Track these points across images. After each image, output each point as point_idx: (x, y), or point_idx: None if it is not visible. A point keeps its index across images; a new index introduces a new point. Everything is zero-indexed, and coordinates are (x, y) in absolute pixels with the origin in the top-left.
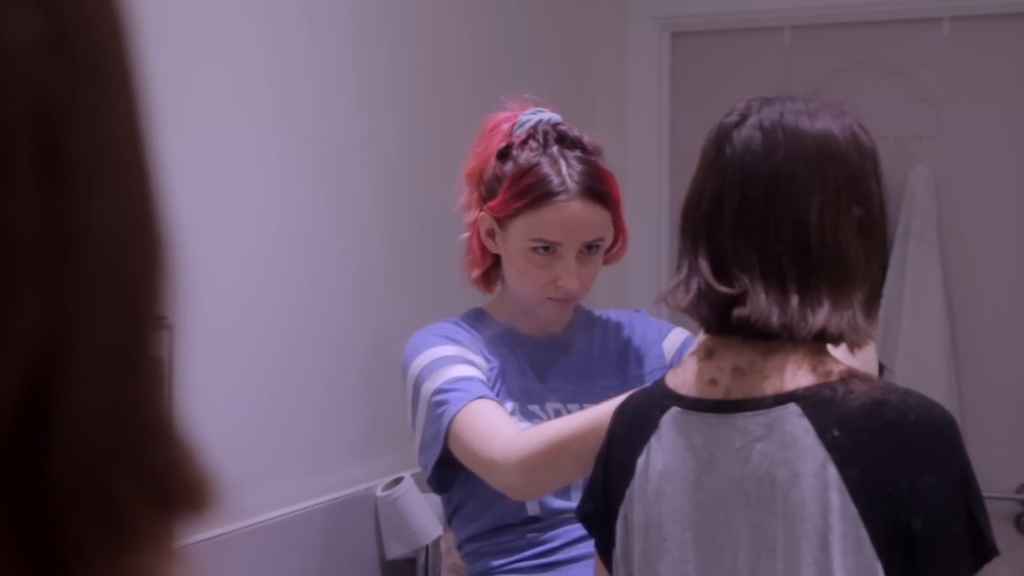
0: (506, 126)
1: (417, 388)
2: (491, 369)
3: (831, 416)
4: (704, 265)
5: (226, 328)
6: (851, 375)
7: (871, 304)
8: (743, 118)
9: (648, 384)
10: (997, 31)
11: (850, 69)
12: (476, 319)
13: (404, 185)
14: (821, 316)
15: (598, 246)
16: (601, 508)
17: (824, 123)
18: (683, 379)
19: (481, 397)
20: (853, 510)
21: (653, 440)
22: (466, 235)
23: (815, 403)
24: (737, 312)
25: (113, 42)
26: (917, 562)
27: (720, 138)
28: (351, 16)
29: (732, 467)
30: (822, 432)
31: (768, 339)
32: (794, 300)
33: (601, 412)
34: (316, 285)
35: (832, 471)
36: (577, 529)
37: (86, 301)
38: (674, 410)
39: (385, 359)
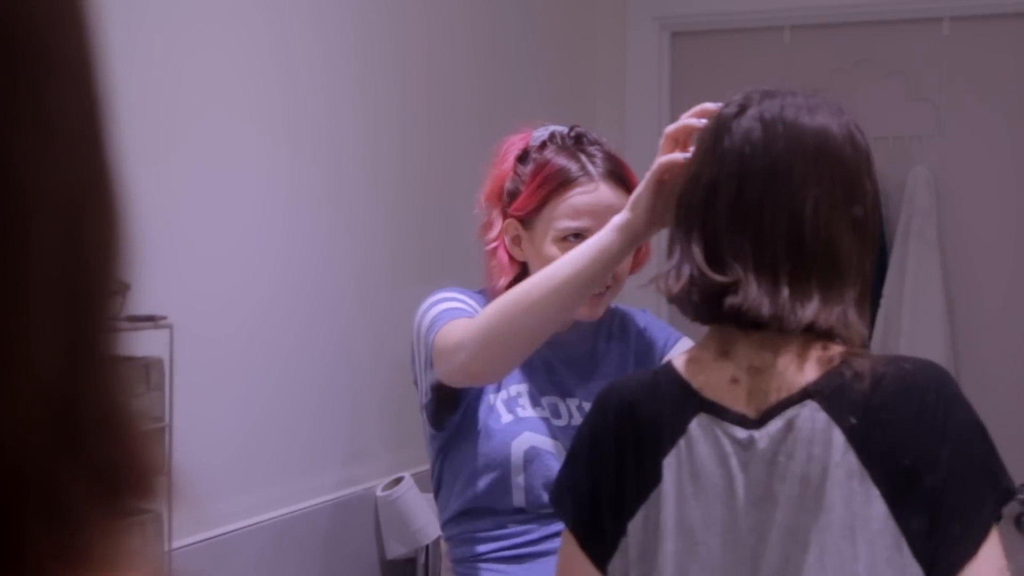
0: (521, 143)
1: (419, 328)
2: None
3: (845, 404)
4: (697, 252)
5: (229, 329)
6: (850, 354)
7: (864, 301)
8: (742, 109)
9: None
10: (997, 31)
11: (850, 69)
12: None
13: (407, 189)
14: (811, 310)
15: None
16: (608, 506)
17: (823, 119)
18: (705, 379)
19: (461, 318)
20: (875, 491)
21: (682, 443)
22: (492, 246)
23: (828, 394)
24: (729, 300)
25: (61, 37)
26: (941, 522)
27: (719, 127)
28: (355, 20)
29: (760, 471)
30: (840, 421)
31: (759, 329)
32: (784, 292)
33: (553, 272)
34: (319, 287)
35: (852, 459)
36: (557, 524)
37: (28, 299)
38: (702, 416)
39: (386, 360)
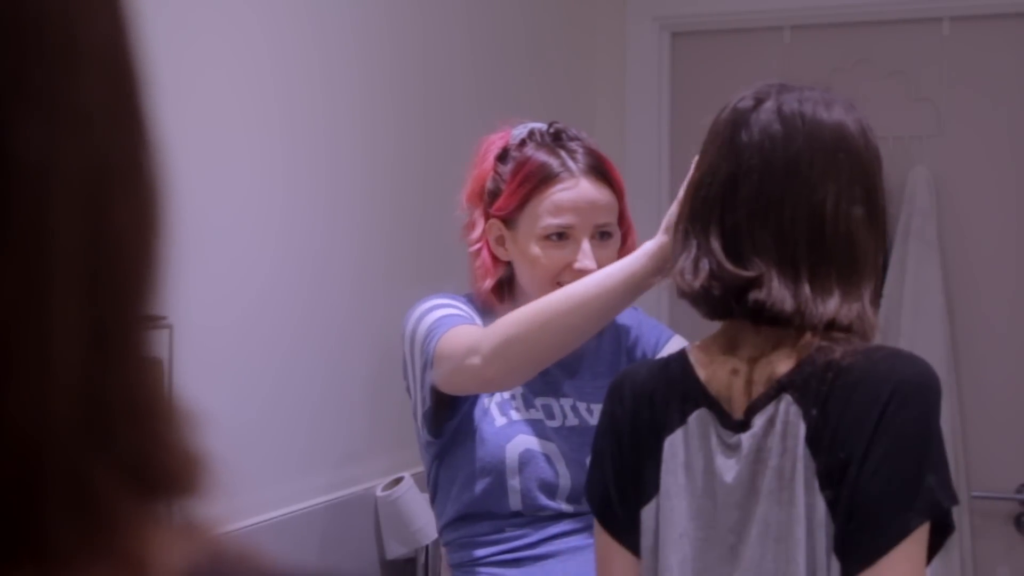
0: (500, 142)
1: (413, 335)
2: None
3: (811, 396)
4: (716, 247)
5: (228, 328)
6: (829, 340)
7: (876, 298)
8: (759, 102)
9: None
10: (997, 31)
11: (850, 69)
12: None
13: (404, 189)
14: (832, 305)
15: (609, 234)
16: (631, 493)
17: (839, 115)
18: (712, 372)
19: (464, 324)
20: (817, 484)
21: (680, 433)
22: (475, 248)
23: (799, 386)
24: (754, 295)
25: (88, 20)
26: (853, 524)
27: (735, 121)
28: (353, 20)
29: (745, 468)
30: (806, 413)
31: (775, 325)
32: (805, 288)
33: (579, 289)
34: (318, 286)
35: (807, 451)
36: (555, 526)
37: (50, 288)
38: (703, 411)
39: (385, 359)
